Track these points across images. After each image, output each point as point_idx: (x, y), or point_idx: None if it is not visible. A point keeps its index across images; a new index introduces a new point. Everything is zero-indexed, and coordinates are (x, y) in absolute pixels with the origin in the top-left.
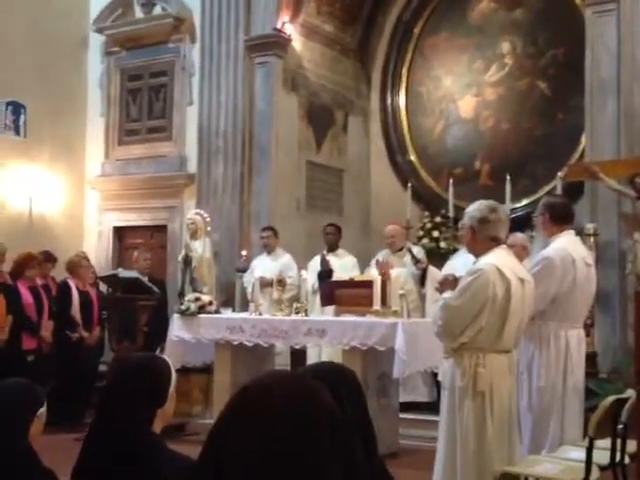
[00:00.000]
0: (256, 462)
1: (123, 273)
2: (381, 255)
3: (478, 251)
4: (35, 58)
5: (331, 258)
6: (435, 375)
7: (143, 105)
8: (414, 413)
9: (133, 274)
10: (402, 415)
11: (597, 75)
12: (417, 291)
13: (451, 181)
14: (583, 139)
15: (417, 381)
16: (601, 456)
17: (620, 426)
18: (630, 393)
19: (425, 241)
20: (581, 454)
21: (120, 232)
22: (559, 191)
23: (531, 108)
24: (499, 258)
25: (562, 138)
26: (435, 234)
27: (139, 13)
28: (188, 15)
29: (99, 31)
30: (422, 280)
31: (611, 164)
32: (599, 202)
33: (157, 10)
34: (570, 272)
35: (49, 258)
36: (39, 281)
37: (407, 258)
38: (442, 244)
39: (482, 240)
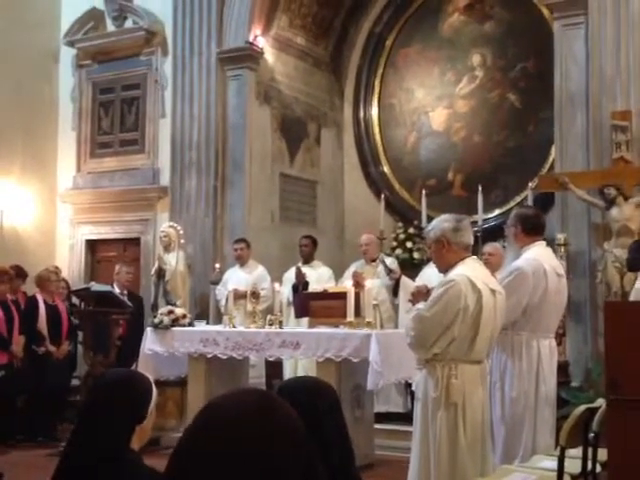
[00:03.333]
0: (218, 474)
1: (96, 287)
2: (355, 266)
3: (450, 263)
4: (6, 71)
5: (306, 270)
6: (409, 385)
7: (115, 118)
8: (389, 424)
9: (105, 288)
10: (377, 426)
11: (566, 88)
12: (390, 301)
13: (424, 192)
14: (553, 150)
15: (391, 392)
16: (573, 465)
17: (591, 435)
18: (601, 402)
19: (399, 252)
20: (553, 463)
21: (93, 245)
22: (530, 201)
23: (502, 120)
24: (470, 269)
25: (533, 149)
26: (408, 245)
27: (111, 26)
28: (160, 28)
29: (70, 44)
30: (395, 290)
31: (581, 175)
32: (569, 212)
33: (129, 23)
34: (542, 283)
35: (20, 273)
36: (9, 296)
37: (380, 268)
38: (415, 255)
39: (456, 250)
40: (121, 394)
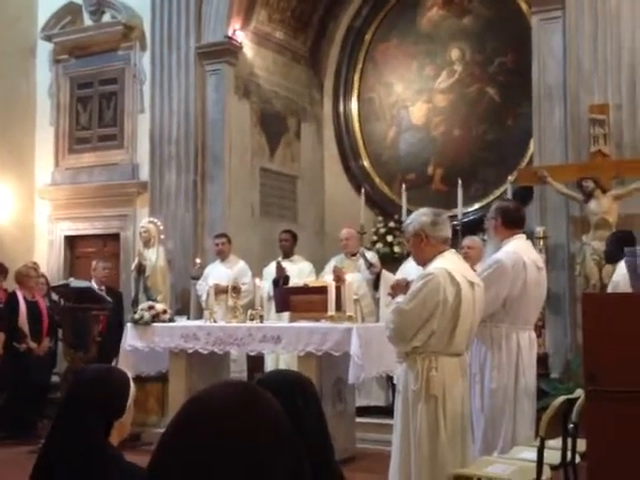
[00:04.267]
0: (200, 469)
1: (75, 283)
2: (335, 260)
3: (428, 256)
4: None
5: (287, 264)
6: (391, 379)
7: (93, 113)
8: (370, 417)
9: (85, 284)
10: (358, 419)
11: (544, 82)
12: (371, 296)
13: (404, 186)
14: (532, 144)
15: (372, 385)
16: (552, 456)
17: (570, 426)
18: (580, 393)
19: (379, 246)
20: (533, 454)
21: (72, 241)
22: (509, 195)
23: (481, 114)
24: (449, 262)
25: (512, 143)
26: (389, 239)
27: (88, 20)
28: (138, 23)
29: (47, 39)
30: (376, 284)
31: (559, 168)
32: (548, 206)
33: (106, 17)
34: (521, 275)
35: (1, 270)
36: None
37: (361, 263)
38: (396, 249)
39: (435, 243)
40: (98, 390)
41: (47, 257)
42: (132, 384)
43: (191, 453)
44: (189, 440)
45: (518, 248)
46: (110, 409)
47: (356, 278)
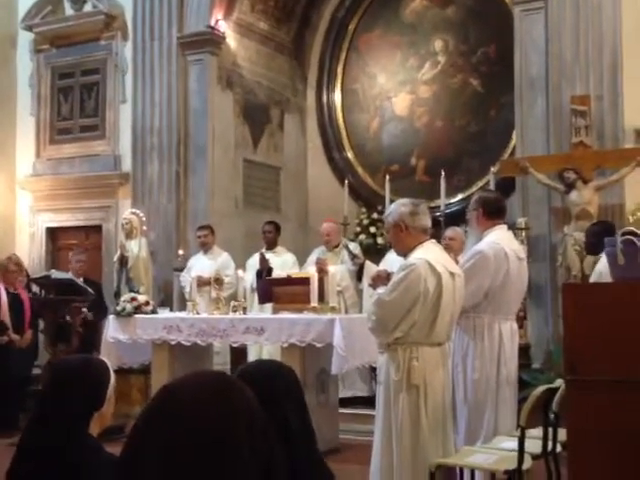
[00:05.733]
0: (174, 457)
1: (56, 274)
2: (317, 252)
3: (409, 246)
4: None
5: (270, 256)
6: (374, 369)
7: (75, 103)
8: (353, 408)
9: (66, 275)
10: (342, 410)
11: (526, 72)
12: (354, 287)
13: (387, 177)
14: (514, 135)
15: (356, 376)
16: (534, 445)
17: (551, 415)
18: (560, 383)
19: (362, 237)
20: (514, 444)
21: (53, 233)
22: (492, 186)
23: (464, 105)
24: (430, 252)
25: (494, 134)
26: (372, 230)
27: (69, 10)
28: (119, 12)
29: (28, 28)
30: (359, 276)
31: (541, 159)
32: (530, 197)
33: (88, 7)
34: (503, 266)
35: None
36: None
37: (344, 254)
38: (379, 240)
39: (415, 233)
40: (76, 380)
41: (28, 249)
42: (112, 375)
43: (162, 439)
44: (161, 427)
45: (499, 239)
46: (89, 400)
47: (339, 270)
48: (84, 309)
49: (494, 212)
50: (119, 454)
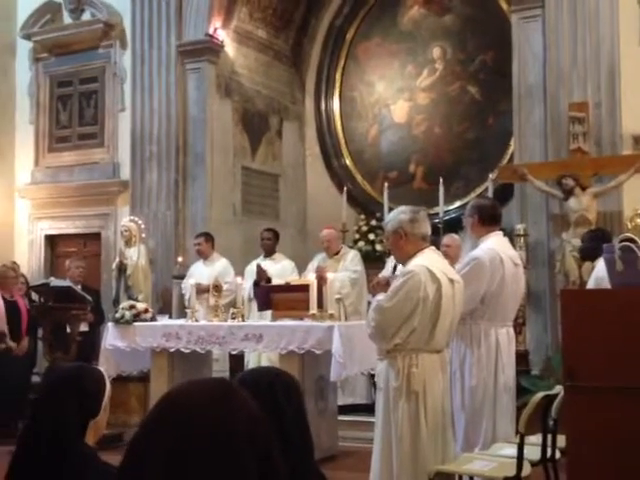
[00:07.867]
0: (175, 462)
1: (55, 282)
2: (317, 259)
3: (409, 253)
4: None
5: (268, 263)
6: (373, 377)
7: (74, 112)
8: (352, 415)
9: (65, 283)
10: (341, 417)
11: (524, 80)
12: (355, 295)
13: (386, 184)
14: (512, 142)
15: (356, 384)
16: (533, 452)
17: (550, 422)
18: (559, 389)
19: (361, 244)
20: (513, 450)
21: (52, 241)
22: (490, 193)
23: (462, 112)
24: (429, 259)
25: (493, 141)
26: (371, 237)
27: (68, 19)
28: (118, 21)
29: (27, 37)
30: None
31: (539, 166)
32: (528, 203)
33: (86, 16)
34: (499, 272)
35: None
36: None
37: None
38: (378, 247)
39: (414, 241)
40: (70, 388)
41: (27, 256)
42: (108, 383)
43: (165, 445)
44: (161, 433)
45: (495, 245)
46: (84, 408)
47: (339, 277)
48: (89, 314)
49: (489, 219)
50: (120, 460)
